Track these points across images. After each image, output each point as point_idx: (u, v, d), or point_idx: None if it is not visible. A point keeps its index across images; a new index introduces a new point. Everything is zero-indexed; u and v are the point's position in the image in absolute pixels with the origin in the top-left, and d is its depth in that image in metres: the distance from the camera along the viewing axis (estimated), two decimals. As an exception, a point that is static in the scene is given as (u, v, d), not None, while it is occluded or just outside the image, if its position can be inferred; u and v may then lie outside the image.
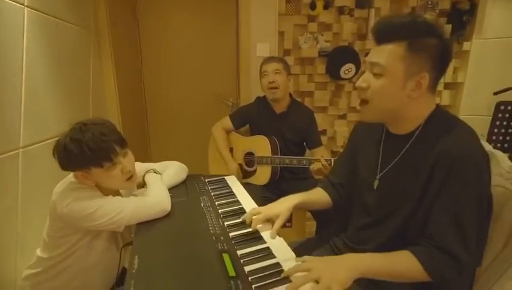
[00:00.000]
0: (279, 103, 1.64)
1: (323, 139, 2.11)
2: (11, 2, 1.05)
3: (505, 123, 1.74)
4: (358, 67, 1.92)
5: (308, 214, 1.72)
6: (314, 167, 1.44)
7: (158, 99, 2.36)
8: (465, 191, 0.67)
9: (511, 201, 0.80)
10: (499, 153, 0.88)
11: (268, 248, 0.79)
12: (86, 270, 0.95)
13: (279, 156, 1.58)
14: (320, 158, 1.42)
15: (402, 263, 0.70)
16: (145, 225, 0.89)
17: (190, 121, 2.39)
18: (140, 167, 1.14)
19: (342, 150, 2.11)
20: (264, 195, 1.61)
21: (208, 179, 1.30)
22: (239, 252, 0.76)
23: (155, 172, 1.13)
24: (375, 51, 0.74)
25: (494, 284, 0.83)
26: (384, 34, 0.72)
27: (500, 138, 1.74)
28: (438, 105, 0.77)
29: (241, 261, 0.73)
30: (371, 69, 0.74)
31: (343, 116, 2.13)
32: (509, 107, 1.75)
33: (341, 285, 0.63)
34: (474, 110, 1.98)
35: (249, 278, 0.66)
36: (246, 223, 0.90)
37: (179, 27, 2.24)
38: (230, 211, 1.00)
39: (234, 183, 1.27)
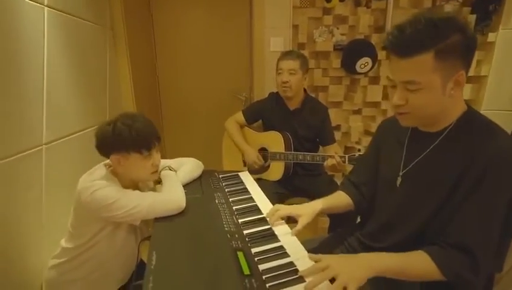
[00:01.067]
0: (292, 99, 1.63)
1: (337, 134, 2.09)
2: (32, 2, 1.07)
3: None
4: (374, 61, 1.87)
5: None
6: (328, 163, 1.43)
7: (172, 94, 2.39)
8: (498, 194, 0.66)
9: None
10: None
11: (282, 246, 0.80)
12: (106, 262, 0.99)
13: (293, 152, 1.58)
14: (334, 154, 1.41)
15: (416, 263, 0.70)
16: (163, 221, 0.92)
17: (204, 116, 2.41)
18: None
19: (356, 146, 2.12)
20: (277, 191, 1.62)
21: (222, 175, 1.32)
22: (253, 250, 0.78)
23: (170, 169, 1.15)
24: (401, 68, 0.69)
25: None
26: (406, 48, 0.67)
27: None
28: (469, 105, 0.75)
29: (256, 259, 0.74)
30: (404, 86, 0.70)
31: (358, 112, 2.09)
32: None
33: (357, 283, 0.64)
34: (498, 105, 1.90)
35: (263, 277, 0.68)
36: (266, 218, 0.93)
37: (193, 22, 2.25)
38: (244, 209, 1.01)
39: (248, 180, 1.28)
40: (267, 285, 0.66)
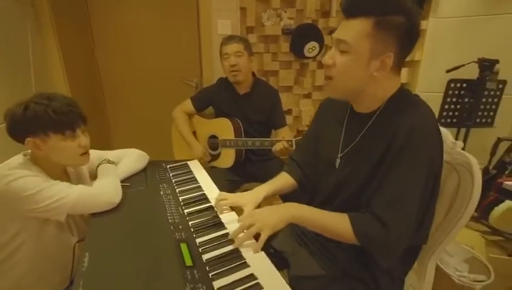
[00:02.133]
0: (241, 84, 1.60)
1: (289, 118, 2.12)
2: None
3: (454, 100, 1.85)
4: (321, 45, 1.91)
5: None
6: (276, 147, 1.44)
7: (115, 80, 2.20)
8: (416, 167, 0.68)
9: (452, 174, 0.85)
10: (443, 130, 0.93)
11: (228, 234, 0.79)
12: (36, 265, 0.89)
13: (243, 138, 1.57)
14: (281, 139, 1.42)
15: (335, 221, 0.76)
16: (99, 217, 0.85)
17: (152, 104, 2.27)
18: (94, 154, 1.07)
19: (306, 129, 2.18)
20: (230, 178, 1.60)
21: (170, 166, 1.27)
22: (198, 240, 0.76)
23: (109, 162, 1.07)
24: (342, 27, 0.72)
25: (432, 255, 0.90)
26: (353, 8, 0.69)
27: (450, 113, 1.86)
28: (402, 85, 0.78)
29: (200, 249, 0.72)
30: (337, 45, 0.73)
31: (308, 96, 2.14)
32: (458, 85, 1.86)
33: (271, 229, 0.72)
34: (429, 88, 2.08)
35: (207, 267, 0.66)
36: (214, 209, 0.92)
37: (134, 3, 2.07)
38: (191, 198, 0.98)
39: (197, 169, 1.24)
40: (210, 274, 0.64)
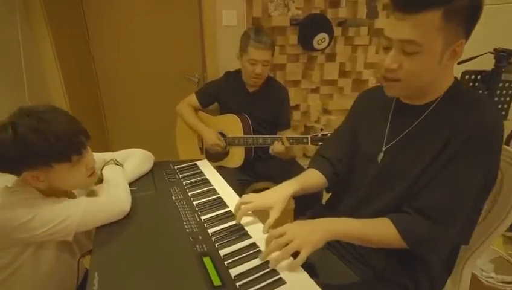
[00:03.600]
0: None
1: (297, 114, 2.04)
2: None
3: (471, 92, 1.77)
4: (331, 37, 1.82)
5: None
6: (275, 148, 1.36)
7: (113, 77, 2.09)
8: (474, 167, 0.63)
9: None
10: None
11: (254, 244, 0.70)
12: (38, 287, 0.80)
13: (252, 135, 1.47)
14: (283, 137, 1.34)
15: (377, 228, 0.69)
16: (106, 230, 0.75)
17: (152, 102, 2.16)
18: (96, 157, 0.97)
19: (316, 125, 2.10)
20: (239, 178, 1.51)
21: (178, 166, 1.17)
22: (221, 252, 0.67)
23: (116, 163, 0.97)
24: (403, 25, 0.61)
25: (467, 261, 0.85)
26: (413, 3, 0.59)
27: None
28: (456, 78, 0.71)
29: (225, 263, 0.63)
30: (400, 47, 0.63)
31: (316, 90, 2.05)
32: (473, 76, 1.78)
33: (311, 247, 0.63)
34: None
35: (237, 285, 0.57)
36: (233, 214, 0.82)
37: (131, -8, 1.95)
38: (206, 203, 0.89)
39: (207, 169, 1.15)
40: (243, 294, 0.56)
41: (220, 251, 0.67)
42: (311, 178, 0.91)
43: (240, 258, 0.65)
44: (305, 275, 0.60)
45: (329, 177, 0.91)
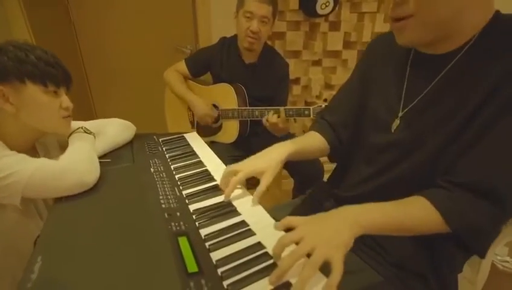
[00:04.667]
0: (251, 52, 1.35)
1: (297, 88, 1.89)
2: None
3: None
4: (336, 1, 1.64)
5: (284, 171, 1.54)
6: (270, 119, 1.20)
7: (97, 47, 1.91)
8: None
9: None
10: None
11: (244, 222, 0.58)
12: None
13: (248, 107, 1.33)
14: (280, 108, 1.19)
15: (414, 211, 0.53)
16: (64, 204, 0.63)
17: (141, 74, 2.00)
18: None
19: (317, 100, 1.95)
20: (232, 154, 1.39)
21: (163, 139, 1.04)
22: (203, 232, 0.54)
23: (85, 131, 0.84)
24: None
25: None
26: None
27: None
28: (497, 9, 0.54)
29: (207, 245, 0.51)
30: None
31: (318, 62, 1.89)
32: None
33: (342, 251, 0.45)
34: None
35: (219, 271, 0.45)
36: (220, 188, 0.69)
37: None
38: (191, 176, 0.76)
39: (196, 141, 1.02)
40: (226, 283, 0.43)
41: (200, 230, 0.55)
42: (311, 141, 0.77)
43: (224, 239, 0.52)
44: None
45: (331, 143, 0.77)
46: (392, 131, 0.64)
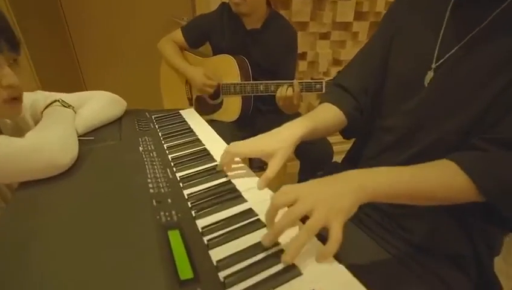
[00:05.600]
0: (250, 16, 1.20)
1: (303, 64, 1.74)
2: None
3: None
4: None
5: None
6: (283, 92, 1.07)
7: (86, 17, 1.76)
8: None
9: None
10: None
11: (251, 210, 0.47)
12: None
13: (252, 81, 1.20)
14: (295, 82, 1.06)
15: (435, 176, 0.45)
16: (31, 188, 0.51)
17: (135, 47, 1.85)
18: (41, 96, 0.73)
19: (324, 77, 1.81)
20: (234, 134, 1.27)
21: (156, 115, 0.92)
22: (200, 224, 0.43)
23: (63, 104, 0.72)
24: None
25: None
26: None
27: None
28: None
29: (205, 240, 0.40)
30: None
31: (326, 35, 1.74)
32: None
33: (343, 216, 0.39)
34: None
35: (221, 276, 0.35)
36: (222, 167, 0.58)
37: None
38: (186, 156, 0.65)
39: (193, 118, 0.90)
40: (229, 293, 0.33)
41: (197, 221, 0.44)
42: (326, 115, 0.65)
43: (228, 233, 0.41)
44: (335, 266, 0.36)
45: (350, 114, 0.66)
46: (425, 85, 0.54)
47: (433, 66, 0.53)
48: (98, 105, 0.80)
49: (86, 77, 1.89)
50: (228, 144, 0.75)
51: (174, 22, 1.78)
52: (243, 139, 1.36)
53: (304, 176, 1.34)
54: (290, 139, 0.56)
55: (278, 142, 0.55)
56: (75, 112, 0.73)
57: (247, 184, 0.54)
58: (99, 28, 1.78)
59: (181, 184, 0.54)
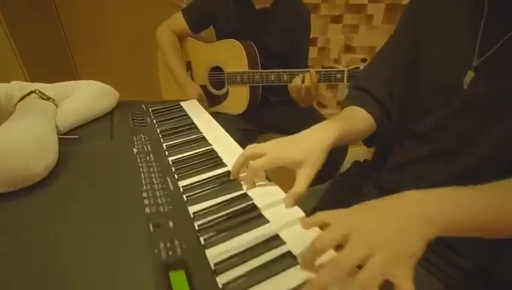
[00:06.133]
0: None
1: (313, 51, 1.61)
2: None
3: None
4: None
5: None
6: (298, 81, 0.95)
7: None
8: None
9: None
10: None
11: (277, 237, 0.36)
12: None
13: (261, 70, 1.08)
14: (310, 70, 0.94)
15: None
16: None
17: (130, 33, 1.71)
18: (16, 86, 0.61)
19: (336, 65, 1.68)
20: (240, 128, 1.15)
21: (154, 108, 0.81)
22: (212, 256, 0.33)
23: (41, 96, 0.60)
24: None
25: None
26: None
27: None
28: None
29: (219, 282, 0.29)
30: None
31: (338, 19, 1.61)
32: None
33: (412, 262, 0.29)
34: None
35: None
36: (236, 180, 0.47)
37: None
38: (189, 159, 0.54)
39: (197, 112, 0.79)
40: None
41: (208, 252, 0.33)
42: (357, 119, 0.56)
43: (250, 273, 0.31)
44: None
45: (379, 119, 0.57)
46: (465, 87, 0.45)
47: (474, 63, 0.44)
48: (84, 97, 0.69)
49: (77, 64, 1.76)
50: (235, 138, 0.65)
51: (173, 5, 1.64)
52: (250, 133, 1.21)
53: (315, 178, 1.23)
54: (321, 145, 0.46)
55: (306, 148, 0.45)
56: (57, 106, 0.62)
57: (268, 197, 0.43)
58: (90, 8, 1.64)
59: (185, 198, 0.43)
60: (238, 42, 1.07)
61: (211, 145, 0.59)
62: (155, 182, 0.45)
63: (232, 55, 1.09)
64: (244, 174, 0.46)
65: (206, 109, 1.13)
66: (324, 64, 1.69)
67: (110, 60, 1.75)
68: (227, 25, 1.12)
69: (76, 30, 1.67)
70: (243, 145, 0.89)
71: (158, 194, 0.42)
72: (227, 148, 0.57)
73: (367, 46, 1.66)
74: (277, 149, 0.46)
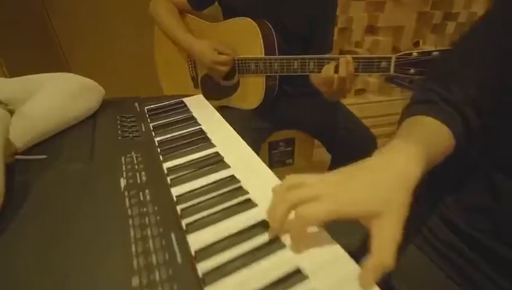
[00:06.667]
0: None
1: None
2: None
3: None
4: None
5: (317, 142, 1.13)
6: (329, 71, 0.76)
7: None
8: None
9: None
10: None
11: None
12: None
13: (281, 56, 0.88)
14: (347, 57, 0.76)
15: None
16: None
17: (127, 20, 1.50)
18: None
19: (356, 49, 1.48)
20: (254, 126, 0.98)
21: (150, 107, 0.64)
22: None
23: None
24: None
25: None
26: None
27: None
28: None
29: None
30: None
31: (361, -6, 1.40)
32: None
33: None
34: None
35: None
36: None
37: None
38: (203, 192, 0.36)
39: (202, 109, 0.62)
40: None
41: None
42: (439, 138, 0.40)
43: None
44: None
45: (456, 132, 0.40)
46: None
47: None
48: (56, 97, 0.51)
49: (67, 52, 1.56)
50: (248, 138, 0.48)
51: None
52: (263, 131, 1.01)
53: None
54: (407, 184, 0.30)
55: (385, 191, 0.29)
56: (11, 112, 0.44)
57: (333, 273, 0.26)
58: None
59: (189, 236, 0.26)
60: (251, 21, 0.87)
61: (229, 166, 0.42)
62: (151, 244, 0.28)
63: (244, 38, 0.89)
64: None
65: (216, 95, 0.93)
66: (344, 48, 1.49)
67: (100, 46, 1.55)
68: (235, 2, 0.92)
69: (64, 18, 1.46)
70: (255, 146, 0.71)
71: (154, 246, 0.25)
72: (253, 172, 0.40)
73: (392, 26, 1.47)
74: (338, 192, 0.29)
